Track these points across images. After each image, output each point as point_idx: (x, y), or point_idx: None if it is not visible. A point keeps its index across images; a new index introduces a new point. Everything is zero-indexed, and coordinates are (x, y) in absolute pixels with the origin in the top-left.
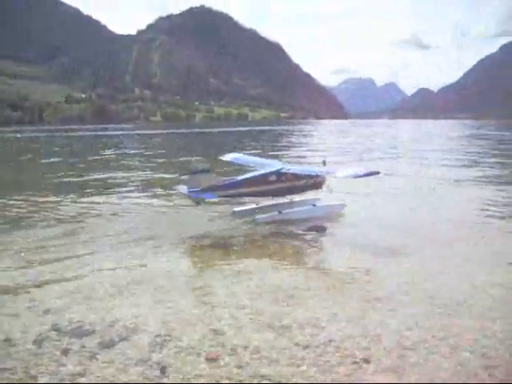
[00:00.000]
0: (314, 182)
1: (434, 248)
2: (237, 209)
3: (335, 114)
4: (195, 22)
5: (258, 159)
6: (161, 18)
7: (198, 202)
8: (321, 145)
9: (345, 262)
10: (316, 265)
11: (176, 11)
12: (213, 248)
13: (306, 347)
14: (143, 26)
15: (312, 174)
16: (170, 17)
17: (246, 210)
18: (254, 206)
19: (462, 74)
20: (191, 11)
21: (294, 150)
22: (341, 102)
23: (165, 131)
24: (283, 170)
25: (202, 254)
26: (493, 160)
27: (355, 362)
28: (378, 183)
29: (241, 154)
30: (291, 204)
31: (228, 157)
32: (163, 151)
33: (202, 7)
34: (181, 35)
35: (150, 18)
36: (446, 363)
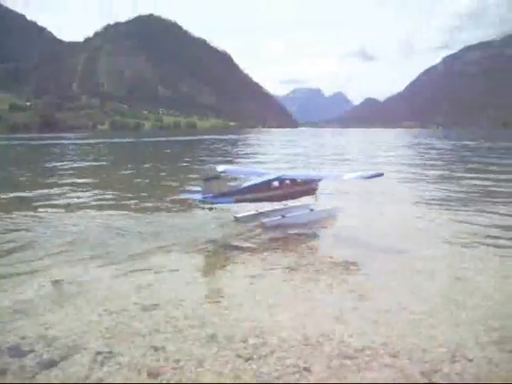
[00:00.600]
0: (309, 188)
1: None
2: (239, 215)
3: (284, 123)
4: (143, 30)
5: (249, 169)
6: (108, 26)
7: (210, 208)
8: (269, 155)
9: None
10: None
11: (124, 19)
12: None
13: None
14: (90, 34)
15: (312, 179)
16: (117, 24)
17: (247, 215)
18: (253, 211)
19: (407, 85)
20: (139, 19)
21: (242, 161)
22: (290, 111)
23: (113, 140)
24: (284, 177)
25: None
26: (439, 173)
27: (297, 371)
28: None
29: (231, 166)
30: (290, 209)
31: (220, 168)
32: (110, 161)
33: (151, 15)
34: (129, 43)
35: (98, 26)
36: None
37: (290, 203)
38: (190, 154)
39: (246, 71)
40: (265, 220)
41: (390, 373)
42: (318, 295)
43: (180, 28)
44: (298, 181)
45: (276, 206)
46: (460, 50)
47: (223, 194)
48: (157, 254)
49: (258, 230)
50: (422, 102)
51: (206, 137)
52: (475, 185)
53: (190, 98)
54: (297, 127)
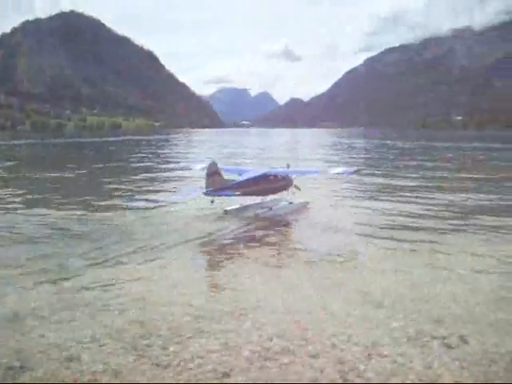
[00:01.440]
0: (288, 184)
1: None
2: (228, 208)
3: (211, 123)
4: (65, 26)
5: (230, 166)
6: (27, 22)
7: (212, 201)
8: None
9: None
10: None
11: (44, 15)
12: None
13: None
14: (7, 29)
15: (291, 174)
16: (37, 20)
17: (235, 208)
18: (238, 205)
19: (330, 85)
20: (60, 16)
21: (165, 166)
22: (216, 110)
23: (34, 141)
24: (268, 173)
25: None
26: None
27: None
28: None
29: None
30: (271, 202)
31: (198, 166)
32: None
33: (72, 12)
34: (49, 40)
35: (16, 21)
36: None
37: (268, 198)
38: (113, 155)
39: (171, 70)
40: (257, 212)
41: (309, 373)
42: (240, 295)
43: (103, 25)
44: (279, 177)
45: (256, 200)
46: (380, 53)
47: (222, 188)
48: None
49: (256, 223)
50: (344, 103)
51: (129, 137)
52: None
53: (115, 97)
54: (224, 127)
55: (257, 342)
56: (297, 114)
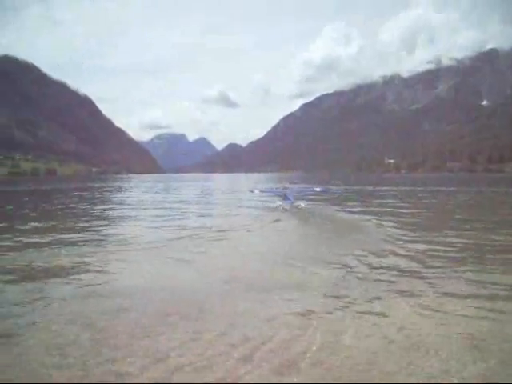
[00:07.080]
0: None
1: None
2: (285, 207)
3: (149, 169)
4: None
5: (273, 189)
6: None
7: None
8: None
9: None
10: None
11: None
12: None
13: None
14: None
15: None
16: None
17: (284, 206)
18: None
19: (268, 130)
20: None
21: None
22: (155, 156)
23: None
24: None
25: None
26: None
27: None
28: None
29: (261, 188)
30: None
31: (256, 191)
32: None
33: (6, 56)
34: None
35: None
36: None
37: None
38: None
39: (108, 116)
40: (286, 207)
41: None
42: None
43: (38, 70)
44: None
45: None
46: (316, 98)
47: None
48: None
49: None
50: (283, 147)
51: (59, 186)
52: None
53: (50, 143)
54: (163, 172)
55: None
56: (235, 159)
